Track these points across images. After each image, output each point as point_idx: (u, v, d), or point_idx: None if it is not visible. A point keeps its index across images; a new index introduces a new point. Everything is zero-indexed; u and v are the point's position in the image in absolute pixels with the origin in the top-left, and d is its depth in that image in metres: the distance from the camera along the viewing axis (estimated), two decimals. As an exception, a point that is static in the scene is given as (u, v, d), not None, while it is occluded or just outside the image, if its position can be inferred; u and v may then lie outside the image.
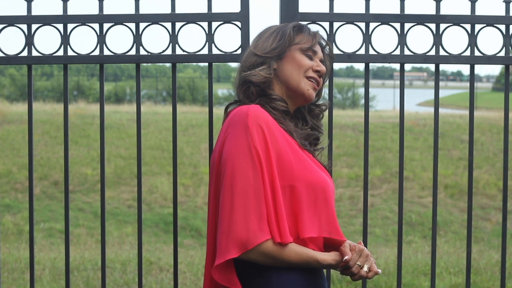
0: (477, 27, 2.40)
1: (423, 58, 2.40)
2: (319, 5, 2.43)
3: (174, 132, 2.43)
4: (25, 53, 2.40)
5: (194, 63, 2.77)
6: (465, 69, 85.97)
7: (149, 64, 2.63)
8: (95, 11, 2.40)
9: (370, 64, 2.42)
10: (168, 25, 2.38)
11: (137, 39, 2.39)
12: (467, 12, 2.40)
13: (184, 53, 2.38)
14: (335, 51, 2.35)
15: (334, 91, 2.51)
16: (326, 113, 2.14)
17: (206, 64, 2.40)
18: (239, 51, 2.35)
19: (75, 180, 11.98)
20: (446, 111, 22.42)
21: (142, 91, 9.56)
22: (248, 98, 1.89)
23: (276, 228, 1.71)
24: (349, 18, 2.37)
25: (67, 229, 2.45)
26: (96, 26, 2.39)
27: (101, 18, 2.38)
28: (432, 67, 32.00)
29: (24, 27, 2.39)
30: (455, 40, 3.04)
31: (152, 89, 34.22)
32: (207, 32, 2.37)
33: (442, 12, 2.40)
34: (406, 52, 2.40)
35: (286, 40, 1.90)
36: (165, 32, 2.37)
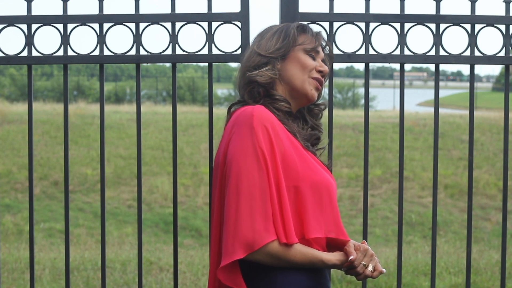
0: (477, 27, 2.40)
1: (423, 58, 2.40)
2: (319, 5, 2.43)
3: (174, 132, 2.43)
4: (25, 53, 2.40)
5: (194, 63, 2.76)
6: (465, 69, 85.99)
7: (149, 64, 2.62)
8: (95, 11, 2.40)
9: (370, 64, 2.42)
10: (168, 25, 2.38)
11: (137, 39, 2.39)
12: (467, 12, 2.40)
13: (184, 53, 2.38)
14: (335, 51, 2.35)
15: (334, 91, 2.51)
16: (326, 113, 2.14)
17: (206, 64, 2.40)
18: (239, 51, 2.35)
19: (75, 180, 11.97)
20: (446, 111, 22.42)
21: (142, 91, 9.56)
22: (253, 99, 1.89)
23: (281, 229, 1.71)
24: (349, 18, 2.37)
25: (67, 229, 2.45)
26: (96, 26, 2.39)
27: (101, 18, 2.38)
28: (432, 67, 31.99)
29: (24, 27, 2.39)
30: (455, 40, 3.03)
31: (152, 89, 34.23)
32: (207, 32, 2.37)
33: (442, 12, 2.40)
34: (406, 52, 2.40)
35: (290, 41, 1.91)
36: (165, 32, 2.38)
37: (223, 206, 1.79)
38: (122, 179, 12.29)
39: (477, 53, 2.41)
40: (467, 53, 2.41)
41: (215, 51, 2.37)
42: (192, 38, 2.61)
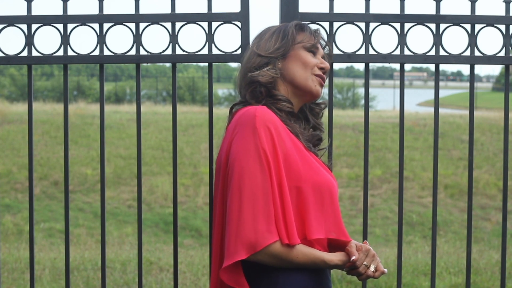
0: (477, 27, 2.40)
1: (423, 58, 2.40)
2: (319, 5, 2.43)
3: (174, 132, 2.43)
4: (25, 53, 2.40)
5: (194, 63, 2.76)
6: (465, 69, 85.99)
7: (149, 64, 2.62)
8: (95, 11, 2.40)
9: (370, 64, 2.42)
10: (168, 25, 2.38)
11: (137, 39, 2.39)
12: (467, 12, 2.40)
13: (184, 53, 2.38)
14: (335, 51, 2.35)
15: (334, 91, 2.51)
16: (326, 113, 2.15)
17: (206, 64, 2.40)
18: (239, 51, 2.35)
19: (75, 180, 11.97)
20: (446, 111, 22.42)
21: (142, 91, 9.55)
22: (255, 99, 1.89)
23: (284, 230, 1.72)
24: (349, 18, 2.37)
25: (67, 229, 2.45)
26: (96, 26, 2.39)
27: (101, 18, 2.38)
28: (432, 67, 31.97)
29: (24, 27, 2.39)
30: (455, 40, 3.03)
31: (152, 89, 34.23)
32: (207, 32, 2.37)
33: (442, 12, 2.40)
34: (406, 52, 2.39)
35: (289, 40, 1.91)
36: (165, 32, 2.37)
37: (225, 207, 1.79)
38: (122, 179, 12.29)
39: (477, 53, 2.41)
40: (467, 53, 2.41)
41: (215, 51, 2.37)
42: (192, 38, 2.61)
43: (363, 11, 2.38)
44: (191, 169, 12.84)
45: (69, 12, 2.38)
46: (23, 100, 25.75)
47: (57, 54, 2.39)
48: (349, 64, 15.14)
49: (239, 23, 2.35)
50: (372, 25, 2.39)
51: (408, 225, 10.66)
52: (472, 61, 2.41)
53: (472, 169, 2.44)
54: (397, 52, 2.40)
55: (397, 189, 11.55)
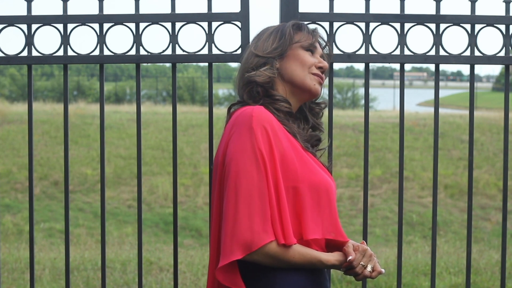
0: (477, 27, 2.40)
1: (423, 58, 2.40)
2: (319, 5, 2.43)
3: (174, 132, 2.43)
4: (25, 53, 2.40)
5: (194, 63, 2.77)
6: (465, 69, 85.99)
7: (149, 64, 2.62)
8: (95, 11, 2.40)
9: (370, 64, 2.42)
10: (168, 25, 2.38)
11: (137, 39, 2.39)
12: (467, 12, 2.40)
13: (184, 53, 2.38)
14: (335, 51, 2.36)
15: (334, 91, 2.51)
16: (326, 114, 2.15)
17: (206, 64, 2.40)
18: (239, 51, 2.35)
19: (75, 180, 11.97)
20: (446, 111, 22.42)
21: (142, 91, 9.55)
22: (252, 99, 1.89)
23: (280, 230, 1.71)
24: (349, 18, 2.37)
25: (67, 229, 2.45)
26: (96, 26, 2.39)
27: (101, 18, 2.38)
28: (432, 67, 31.99)
29: (24, 27, 2.39)
30: (455, 40, 3.03)
31: (152, 89, 34.23)
32: (207, 32, 2.37)
33: (442, 12, 2.40)
34: (406, 52, 2.40)
35: (287, 39, 1.91)
36: (165, 32, 2.38)
37: (222, 206, 1.79)
38: (122, 179, 12.29)
39: (477, 53, 2.41)
40: (467, 53, 2.41)
41: (215, 51, 2.37)
42: (192, 38, 2.61)
43: (363, 11, 2.38)
44: (191, 169, 12.85)
45: (69, 12, 2.39)
46: (23, 100, 25.76)
47: (57, 54, 2.40)
48: (349, 64, 15.15)
49: (239, 23, 2.35)
50: (372, 25, 2.39)
51: (408, 225, 10.66)
52: (472, 61, 2.41)
53: (472, 169, 2.44)
54: (397, 52, 2.40)
55: (397, 189, 11.55)
